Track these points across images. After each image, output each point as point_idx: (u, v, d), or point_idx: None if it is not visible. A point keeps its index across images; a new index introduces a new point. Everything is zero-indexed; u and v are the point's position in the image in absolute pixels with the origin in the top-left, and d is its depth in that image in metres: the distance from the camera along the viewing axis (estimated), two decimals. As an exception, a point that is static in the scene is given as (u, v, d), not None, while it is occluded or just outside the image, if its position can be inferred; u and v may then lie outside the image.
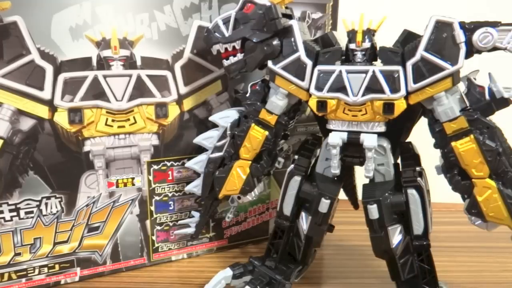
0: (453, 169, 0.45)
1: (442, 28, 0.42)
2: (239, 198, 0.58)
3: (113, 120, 0.57)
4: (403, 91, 0.44)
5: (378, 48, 0.47)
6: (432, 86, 0.43)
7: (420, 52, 0.43)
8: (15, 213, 0.55)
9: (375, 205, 0.47)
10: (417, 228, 0.48)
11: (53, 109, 0.54)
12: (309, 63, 0.48)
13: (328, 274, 0.64)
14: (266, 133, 0.52)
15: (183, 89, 0.60)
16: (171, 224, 0.65)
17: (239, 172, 0.55)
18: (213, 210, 0.62)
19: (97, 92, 0.55)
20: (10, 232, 0.55)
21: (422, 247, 0.49)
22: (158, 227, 0.65)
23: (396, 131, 0.50)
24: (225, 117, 0.56)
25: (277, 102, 0.51)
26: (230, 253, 0.70)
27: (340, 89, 0.46)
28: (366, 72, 0.45)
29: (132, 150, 0.60)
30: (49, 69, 0.52)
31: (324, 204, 0.50)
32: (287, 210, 0.54)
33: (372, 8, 0.53)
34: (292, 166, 0.53)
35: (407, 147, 0.52)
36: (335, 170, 0.49)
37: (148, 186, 0.62)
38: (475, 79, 0.45)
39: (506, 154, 0.43)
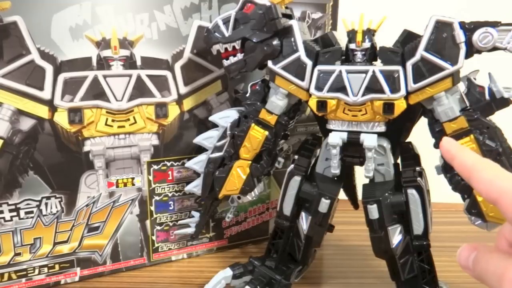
0: (453, 169, 0.45)
1: (442, 28, 0.42)
2: (239, 198, 0.58)
3: (113, 120, 0.57)
4: (403, 91, 0.44)
5: (378, 48, 0.47)
6: (432, 86, 0.43)
7: (420, 52, 0.43)
8: (15, 213, 0.55)
9: (375, 205, 0.47)
10: (417, 228, 0.48)
11: (53, 109, 0.54)
12: (309, 63, 0.48)
13: (328, 274, 0.64)
14: (266, 133, 0.52)
15: (183, 89, 0.60)
16: (171, 224, 0.65)
17: (239, 172, 0.55)
18: (213, 210, 0.62)
19: (97, 92, 0.55)
20: (10, 232, 0.55)
21: (422, 247, 0.49)
22: (158, 227, 0.65)
23: (396, 131, 0.50)
24: (225, 117, 0.56)
25: (277, 102, 0.51)
26: (230, 253, 0.70)
27: (340, 89, 0.46)
28: (366, 72, 0.45)
29: (132, 150, 0.60)
30: (49, 69, 0.52)
31: (324, 204, 0.50)
32: (287, 210, 0.54)
33: (372, 8, 0.53)
34: (292, 166, 0.53)
35: (407, 147, 0.52)
36: (335, 170, 0.49)
37: (148, 186, 0.62)
38: (475, 79, 0.45)
39: (506, 154, 0.43)
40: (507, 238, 0.29)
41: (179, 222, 0.66)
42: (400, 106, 0.45)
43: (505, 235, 0.30)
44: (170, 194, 0.64)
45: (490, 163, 0.30)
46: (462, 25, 0.42)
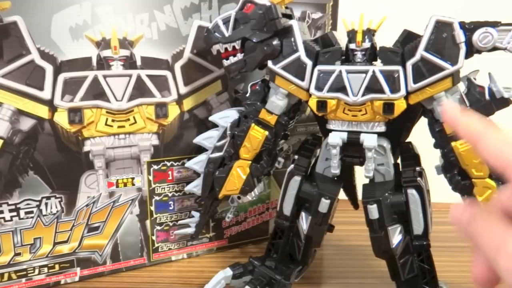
0: (453, 169, 0.45)
1: (442, 28, 0.42)
2: (239, 198, 0.58)
3: (113, 120, 0.57)
4: (403, 91, 0.44)
5: (378, 48, 0.47)
6: (432, 86, 0.43)
7: (420, 52, 0.43)
8: (15, 213, 0.55)
9: (375, 205, 0.47)
10: (417, 228, 0.48)
11: (53, 109, 0.54)
12: (309, 63, 0.48)
13: (328, 274, 0.64)
14: (266, 133, 0.52)
15: (183, 89, 0.60)
16: (171, 224, 0.65)
17: (239, 172, 0.55)
18: (213, 210, 0.62)
19: (97, 92, 0.55)
20: (10, 232, 0.55)
21: (422, 247, 0.49)
22: (158, 227, 0.65)
23: (396, 131, 0.50)
24: (225, 117, 0.56)
25: (277, 102, 0.51)
26: (230, 253, 0.70)
27: (340, 89, 0.46)
28: (366, 72, 0.45)
29: (132, 150, 0.60)
30: (49, 69, 0.52)
31: (324, 204, 0.50)
32: (287, 210, 0.54)
33: (372, 8, 0.53)
34: (292, 166, 0.53)
35: (407, 147, 0.52)
36: (335, 170, 0.49)
37: (148, 186, 0.62)
38: (475, 79, 0.45)
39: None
40: (504, 204, 0.27)
41: (179, 222, 0.66)
42: (400, 106, 0.45)
43: (502, 202, 0.27)
44: (170, 194, 0.64)
45: (498, 129, 0.28)
46: (462, 25, 0.42)
